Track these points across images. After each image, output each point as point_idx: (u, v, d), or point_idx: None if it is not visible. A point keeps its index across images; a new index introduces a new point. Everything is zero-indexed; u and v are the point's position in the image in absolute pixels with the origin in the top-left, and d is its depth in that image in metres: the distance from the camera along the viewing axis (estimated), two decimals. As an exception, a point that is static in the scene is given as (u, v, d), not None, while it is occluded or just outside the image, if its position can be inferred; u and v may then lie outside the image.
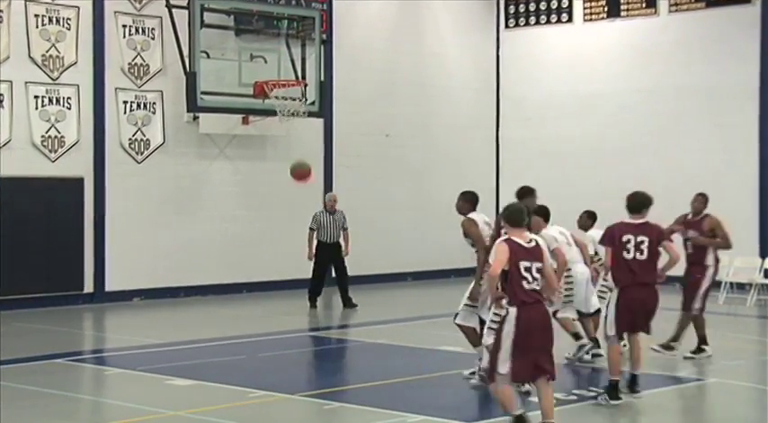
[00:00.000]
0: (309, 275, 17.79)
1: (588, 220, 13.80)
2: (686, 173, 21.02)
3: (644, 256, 10.03)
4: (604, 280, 11.92)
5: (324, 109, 20.33)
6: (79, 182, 17.98)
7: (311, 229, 17.66)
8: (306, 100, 19.32)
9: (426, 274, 22.63)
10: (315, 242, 17.57)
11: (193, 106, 18.39)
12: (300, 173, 15.05)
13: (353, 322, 16.43)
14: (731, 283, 18.56)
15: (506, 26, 24.27)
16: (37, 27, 17.48)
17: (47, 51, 17.59)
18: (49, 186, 17.55)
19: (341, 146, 21.51)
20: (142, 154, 18.73)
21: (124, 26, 18.50)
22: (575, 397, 10.34)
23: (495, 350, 8.31)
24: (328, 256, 17.71)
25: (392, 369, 11.94)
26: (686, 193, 20.75)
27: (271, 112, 19.00)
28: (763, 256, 19.61)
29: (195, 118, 19.02)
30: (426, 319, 16.49)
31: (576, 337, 12.08)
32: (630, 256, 10.08)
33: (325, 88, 20.42)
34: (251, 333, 14.84)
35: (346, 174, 21.50)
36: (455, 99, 23.75)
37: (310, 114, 19.72)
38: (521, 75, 23.92)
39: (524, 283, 8.21)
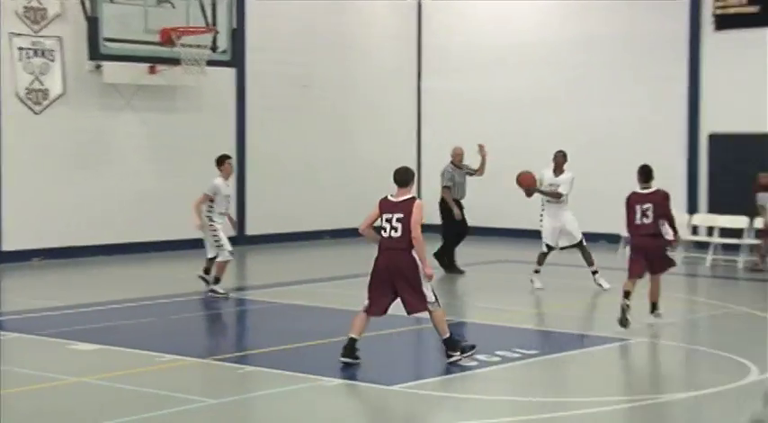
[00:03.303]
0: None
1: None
2: (613, 126, 21.33)
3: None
4: None
5: (236, 58, 20.12)
6: (-28, 134, 17.60)
7: (447, 187, 17.06)
8: (208, 48, 19.04)
9: (346, 231, 22.61)
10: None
11: (96, 54, 18.07)
12: (526, 179, 15.34)
13: (269, 282, 16.38)
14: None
15: (429, -28, 24.22)
16: (-77, -34, 16.97)
17: (-66, -7, 17.09)
18: (-60, 139, 17.15)
19: (255, 97, 21.33)
20: (40, 105, 18.36)
21: (19, -34, 18.05)
22: (498, 358, 10.48)
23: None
24: (462, 213, 17.12)
25: (309, 331, 11.97)
26: (612, 147, 21.22)
27: (179, 61, 18.75)
28: (690, 213, 20.05)
29: (98, 67, 18.67)
30: (345, 279, 16.53)
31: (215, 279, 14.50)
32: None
33: (238, 36, 20.19)
34: (160, 294, 14.74)
35: (261, 126, 21.35)
36: (375, 48, 23.68)
37: (222, 63, 19.53)
38: (444, 24, 23.92)
39: (382, 232, 10.07)
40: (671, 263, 12.62)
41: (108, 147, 19.26)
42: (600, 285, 15.00)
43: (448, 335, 10.17)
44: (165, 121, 20.01)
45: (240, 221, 20.44)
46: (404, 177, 10.21)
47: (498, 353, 10.64)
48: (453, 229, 17.12)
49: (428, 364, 10.95)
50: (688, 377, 10.46)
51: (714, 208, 20.12)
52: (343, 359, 10.06)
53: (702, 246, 19.08)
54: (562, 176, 15.38)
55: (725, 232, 19.05)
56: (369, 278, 10.16)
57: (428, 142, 24.07)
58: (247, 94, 21.27)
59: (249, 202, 21.15)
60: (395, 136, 23.93)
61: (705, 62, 20.59)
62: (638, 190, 12.36)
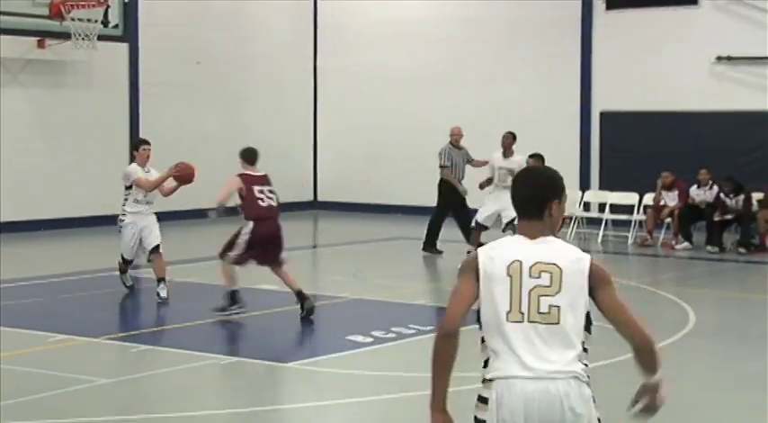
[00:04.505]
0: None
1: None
2: (508, 104, 21.58)
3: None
4: None
5: (129, 33, 19.83)
6: None
7: (445, 166, 16.39)
8: (99, 22, 18.76)
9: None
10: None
11: (-20, 27, 17.65)
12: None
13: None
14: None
15: (324, -52, 24.14)
16: None
17: None
18: None
19: (148, 73, 21.04)
20: (-76, 79, 17.87)
21: None
22: (394, 334, 10.59)
23: (230, 243, 11.41)
24: (457, 195, 16.44)
25: (204, 309, 11.91)
26: (507, 125, 21.38)
27: (69, 36, 18.43)
28: (582, 190, 20.44)
29: (-17, 40, 18.28)
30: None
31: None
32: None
33: (130, 10, 19.89)
34: (50, 273, 14.51)
35: (154, 103, 21.09)
36: (270, 26, 23.54)
37: (114, 38, 19.23)
38: (339, 1, 23.87)
39: (260, 202, 11.37)
40: None
41: (-5, 123, 18.84)
42: None
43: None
44: (55, 97, 19.62)
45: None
46: (256, 155, 11.82)
47: (394, 329, 10.76)
48: (449, 208, 16.55)
49: (324, 341, 11.01)
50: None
51: (605, 185, 20.55)
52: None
53: (594, 222, 19.49)
54: (513, 159, 15.36)
55: (615, 208, 19.48)
56: (248, 243, 11.16)
57: (324, 120, 24.06)
58: (140, 71, 20.97)
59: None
60: (290, 113, 23.84)
61: (596, 41, 20.98)
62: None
